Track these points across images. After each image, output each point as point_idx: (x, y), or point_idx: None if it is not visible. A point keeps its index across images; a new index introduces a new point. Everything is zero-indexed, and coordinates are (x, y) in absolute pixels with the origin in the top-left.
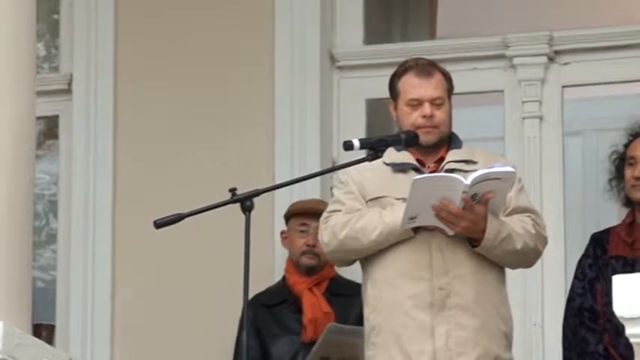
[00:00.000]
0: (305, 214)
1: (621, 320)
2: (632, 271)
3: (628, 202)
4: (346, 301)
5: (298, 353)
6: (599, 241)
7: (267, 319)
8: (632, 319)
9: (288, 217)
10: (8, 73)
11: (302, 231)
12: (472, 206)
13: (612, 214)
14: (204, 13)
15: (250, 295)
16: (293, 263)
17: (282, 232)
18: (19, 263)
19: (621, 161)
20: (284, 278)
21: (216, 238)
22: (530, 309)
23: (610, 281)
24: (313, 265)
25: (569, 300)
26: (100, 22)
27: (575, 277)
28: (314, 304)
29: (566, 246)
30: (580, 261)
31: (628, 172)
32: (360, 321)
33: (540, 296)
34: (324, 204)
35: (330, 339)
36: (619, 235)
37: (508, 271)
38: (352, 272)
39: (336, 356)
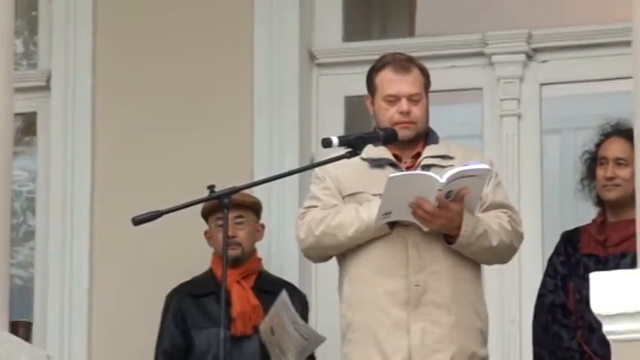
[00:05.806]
0: (220, 208)
1: (598, 318)
2: (604, 268)
3: (599, 201)
4: (273, 298)
5: (224, 346)
6: (569, 239)
7: (193, 310)
8: (609, 316)
9: (206, 215)
10: None
11: (221, 225)
12: (447, 204)
13: (589, 212)
14: (183, 11)
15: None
16: (219, 257)
17: (206, 233)
18: None
19: (592, 161)
20: (211, 270)
21: (195, 234)
22: (508, 306)
23: (582, 279)
24: (238, 255)
25: (540, 297)
26: (78, 19)
27: (547, 275)
28: (242, 297)
29: (544, 243)
30: (551, 258)
31: (600, 173)
32: None
33: (517, 293)
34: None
35: (277, 309)
36: (590, 234)
37: (485, 268)
38: (321, 267)
39: (276, 339)
